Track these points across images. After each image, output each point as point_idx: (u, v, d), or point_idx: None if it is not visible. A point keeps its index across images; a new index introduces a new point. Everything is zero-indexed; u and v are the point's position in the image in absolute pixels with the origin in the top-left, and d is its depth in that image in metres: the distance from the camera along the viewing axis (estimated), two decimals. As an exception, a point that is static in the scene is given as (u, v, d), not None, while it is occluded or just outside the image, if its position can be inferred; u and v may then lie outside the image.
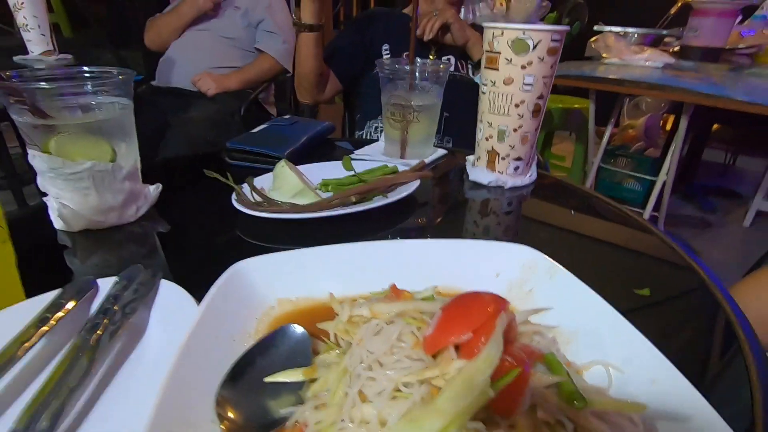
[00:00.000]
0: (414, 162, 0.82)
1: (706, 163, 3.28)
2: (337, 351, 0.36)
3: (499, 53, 0.70)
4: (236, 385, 0.33)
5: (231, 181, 0.66)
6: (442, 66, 0.85)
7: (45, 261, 0.56)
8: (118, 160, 0.59)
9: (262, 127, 0.93)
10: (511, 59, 0.69)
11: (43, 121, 0.53)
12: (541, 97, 0.72)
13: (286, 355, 0.36)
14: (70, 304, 0.38)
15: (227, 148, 0.85)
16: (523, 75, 0.70)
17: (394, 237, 0.60)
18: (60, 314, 0.36)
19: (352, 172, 0.73)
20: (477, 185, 0.80)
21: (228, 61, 1.97)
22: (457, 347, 0.29)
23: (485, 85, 0.75)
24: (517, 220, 0.73)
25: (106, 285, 0.42)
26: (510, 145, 0.76)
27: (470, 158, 0.85)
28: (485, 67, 0.74)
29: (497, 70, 0.71)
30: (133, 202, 0.61)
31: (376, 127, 1.44)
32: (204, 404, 0.31)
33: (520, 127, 0.74)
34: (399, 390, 0.28)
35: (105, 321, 0.35)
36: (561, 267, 0.44)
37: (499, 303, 0.29)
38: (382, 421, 0.27)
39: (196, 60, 1.92)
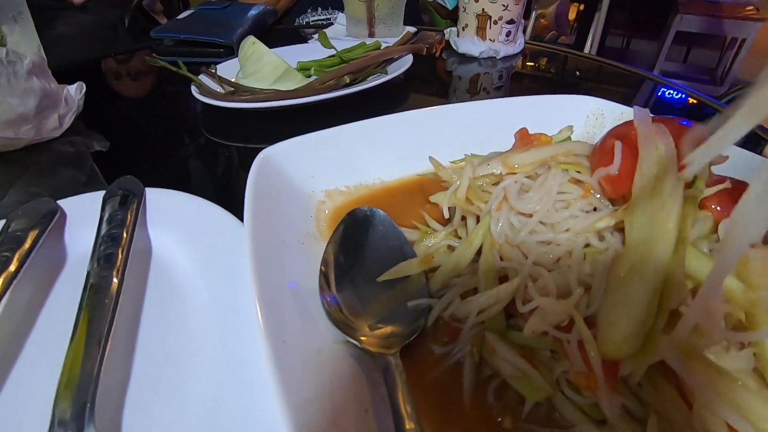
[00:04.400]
0: (390, 41, 0.69)
1: (604, 48, 3.47)
2: (442, 232, 0.28)
3: None
4: (343, 292, 0.24)
5: (185, 70, 0.49)
6: None
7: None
8: (11, 45, 0.40)
9: (189, 12, 0.72)
10: None
11: None
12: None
13: (377, 244, 0.27)
14: (32, 234, 0.24)
15: (152, 40, 0.64)
16: None
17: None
18: (25, 247, 0.23)
19: (333, 51, 0.60)
20: (464, 59, 0.70)
21: (92, -45, 1.54)
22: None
23: (473, -71, 0.62)
24: (521, 93, 0.66)
25: (73, 205, 0.28)
26: (503, 5, 0.66)
27: (452, 30, 0.74)
28: None
29: None
30: (52, 108, 0.43)
31: (307, 22, 1.26)
32: (316, 322, 0.22)
33: (515, -20, 0.64)
34: (589, 245, 0.21)
35: (119, 252, 0.23)
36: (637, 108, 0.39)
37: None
38: (594, 286, 0.20)
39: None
